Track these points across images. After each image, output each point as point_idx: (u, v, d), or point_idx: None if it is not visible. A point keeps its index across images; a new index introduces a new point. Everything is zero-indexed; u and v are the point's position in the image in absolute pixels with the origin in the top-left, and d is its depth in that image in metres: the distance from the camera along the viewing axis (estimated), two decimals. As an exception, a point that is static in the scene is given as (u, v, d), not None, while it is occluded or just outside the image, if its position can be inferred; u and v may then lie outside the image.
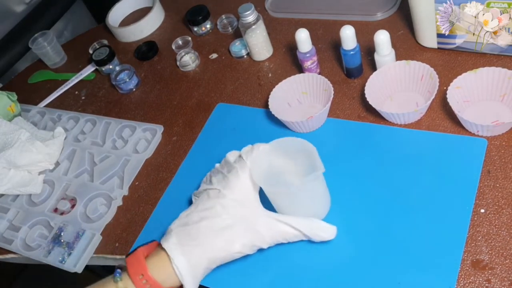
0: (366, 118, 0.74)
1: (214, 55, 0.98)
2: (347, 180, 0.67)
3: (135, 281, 0.54)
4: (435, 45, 0.78)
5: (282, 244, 0.61)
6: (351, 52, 0.76)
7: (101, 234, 0.74)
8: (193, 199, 0.65)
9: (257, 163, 0.60)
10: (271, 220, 0.58)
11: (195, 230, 0.56)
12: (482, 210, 0.59)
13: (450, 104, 0.65)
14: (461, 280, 0.54)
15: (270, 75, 0.88)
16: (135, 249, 0.58)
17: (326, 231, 0.59)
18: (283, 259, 0.63)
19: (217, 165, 0.65)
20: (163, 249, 0.56)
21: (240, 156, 0.61)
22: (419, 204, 0.61)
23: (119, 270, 0.56)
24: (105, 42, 1.12)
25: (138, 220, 0.75)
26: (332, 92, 0.73)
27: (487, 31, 0.69)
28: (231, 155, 0.64)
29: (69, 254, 0.72)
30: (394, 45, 0.74)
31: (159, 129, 0.85)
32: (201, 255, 0.55)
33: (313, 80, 0.77)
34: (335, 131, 0.74)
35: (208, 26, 1.03)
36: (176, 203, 0.74)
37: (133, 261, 0.56)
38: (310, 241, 0.62)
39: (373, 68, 0.77)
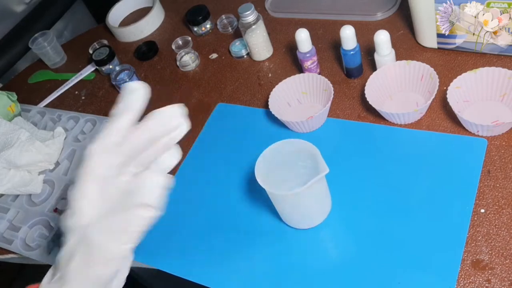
0: (366, 118, 0.74)
1: (214, 55, 0.98)
2: (347, 180, 0.67)
3: None
4: (435, 45, 0.78)
5: (282, 244, 0.61)
6: (351, 52, 0.76)
7: (101, 234, 0.74)
8: None
9: (260, 165, 0.60)
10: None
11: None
12: (482, 210, 0.59)
13: (450, 104, 0.65)
14: (461, 280, 0.54)
15: (270, 75, 0.88)
16: None
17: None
18: (283, 259, 0.63)
19: None
20: None
21: None
22: (419, 204, 0.61)
23: None
24: (105, 42, 1.12)
25: (138, 220, 0.74)
26: (332, 92, 0.73)
27: (487, 31, 0.69)
28: None
29: (69, 254, 0.72)
30: (394, 45, 0.74)
31: (159, 129, 0.85)
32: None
33: (313, 80, 0.77)
34: (335, 131, 0.74)
35: (208, 26, 1.03)
36: (176, 204, 0.74)
37: None
38: (311, 241, 0.62)
39: (373, 68, 0.77)
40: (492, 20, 0.67)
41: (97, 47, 1.07)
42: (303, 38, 0.77)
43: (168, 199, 0.79)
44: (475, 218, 0.58)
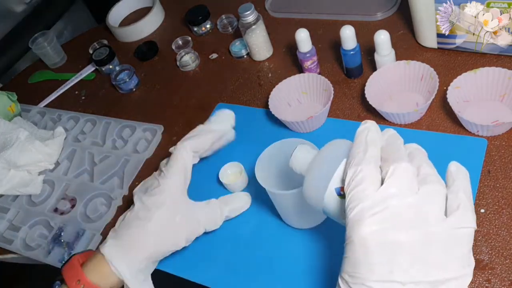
0: (366, 118, 0.74)
1: (214, 55, 0.98)
2: (347, 180, 0.67)
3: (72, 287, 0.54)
4: (435, 45, 0.78)
5: (282, 244, 0.61)
6: (351, 52, 0.76)
7: (101, 234, 0.74)
8: (136, 190, 0.64)
9: (260, 165, 0.60)
10: (201, 207, 0.62)
11: (131, 228, 0.58)
12: (482, 210, 0.59)
13: (450, 104, 0.65)
14: (461, 280, 0.54)
15: (270, 75, 0.88)
16: (70, 257, 0.58)
17: (241, 201, 0.65)
18: (283, 258, 0.63)
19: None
20: (99, 253, 0.57)
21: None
22: (419, 204, 0.61)
23: (58, 282, 0.57)
24: (105, 42, 1.12)
25: (138, 220, 0.74)
26: (332, 92, 0.73)
27: (487, 31, 0.69)
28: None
29: (69, 254, 0.72)
30: (394, 45, 0.74)
31: (159, 129, 0.85)
32: (139, 254, 0.57)
33: (313, 80, 0.77)
34: (335, 131, 0.74)
35: (208, 26, 1.03)
36: (176, 203, 0.74)
37: (68, 269, 0.56)
38: (312, 241, 0.62)
39: (373, 68, 0.77)
40: (492, 20, 0.67)
41: (97, 47, 1.07)
42: (303, 38, 0.77)
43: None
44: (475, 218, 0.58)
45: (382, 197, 0.36)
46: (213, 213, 0.62)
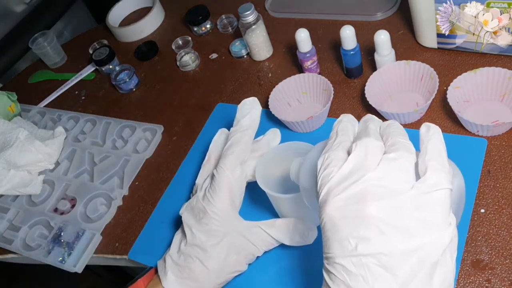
0: (366, 118, 0.74)
1: (214, 55, 0.98)
2: (347, 180, 0.67)
3: None
4: (435, 45, 0.78)
5: (282, 246, 0.61)
6: (351, 52, 0.76)
7: (101, 234, 0.74)
8: (183, 213, 0.62)
9: (260, 166, 0.60)
10: (258, 229, 0.58)
11: (189, 267, 0.56)
12: (482, 210, 0.59)
13: (450, 104, 0.65)
14: (461, 280, 0.54)
15: (270, 75, 0.88)
16: (135, 281, 0.59)
17: (305, 238, 0.58)
18: (282, 260, 0.63)
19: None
20: (160, 285, 0.57)
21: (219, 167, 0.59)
22: (419, 204, 0.61)
23: None
24: (105, 42, 1.12)
25: (138, 220, 0.75)
26: (332, 92, 0.73)
27: (487, 31, 0.69)
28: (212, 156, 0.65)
29: (69, 254, 0.72)
30: (394, 45, 0.74)
31: (159, 129, 0.85)
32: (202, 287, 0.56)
33: (313, 80, 0.77)
34: (335, 131, 0.74)
35: (208, 26, 1.03)
36: (176, 203, 0.74)
37: None
38: (314, 246, 0.61)
39: (373, 68, 0.77)
40: (492, 20, 0.67)
41: (97, 47, 1.07)
42: (303, 38, 0.77)
43: (168, 199, 0.79)
44: (475, 218, 0.58)
45: (344, 175, 0.36)
46: (266, 237, 0.59)
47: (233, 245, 0.56)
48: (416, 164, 0.36)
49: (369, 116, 0.43)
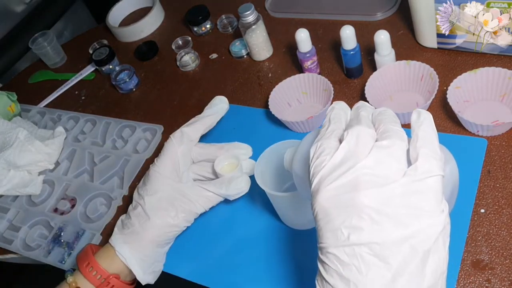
0: (366, 118, 0.74)
1: (214, 55, 0.98)
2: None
3: (83, 271, 0.59)
4: (435, 45, 0.78)
5: (281, 245, 0.61)
6: (351, 52, 0.76)
7: (101, 234, 0.74)
8: None
9: (260, 166, 0.60)
10: (196, 187, 0.62)
11: (131, 218, 0.62)
12: (482, 210, 0.59)
13: (450, 104, 0.65)
14: (461, 280, 0.54)
15: (270, 75, 0.88)
16: (85, 246, 0.64)
17: (240, 184, 0.62)
18: (282, 260, 0.63)
19: None
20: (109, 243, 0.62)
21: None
22: (419, 204, 0.61)
23: (71, 269, 0.62)
24: (105, 42, 1.12)
25: (138, 220, 0.74)
26: (332, 92, 0.73)
27: (487, 31, 0.69)
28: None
29: (69, 254, 0.72)
30: (394, 45, 0.74)
31: (159, 129, 0.85)
32: (142, 240, 0.60)
33: (313, 80, 0.77)
34: (335, 131, 0.74)
35: (208, 26, 1.03)
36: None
37: (81, 255, 0.62)
38: (311, 242, 0.62)
39: (373, 68, 0.77)
40: (492, 20, 0.67)
41: (97, 47, 1.07)
42: (303, 38, 0.77)
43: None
44: (475, 218, 0.58)
45: (335, 163, 0.36)
46: (204, 192, 0.63)
47: (172, 202, 0.61)
48: (408, 151, 0.36)
49: (361, 103, 0.42)
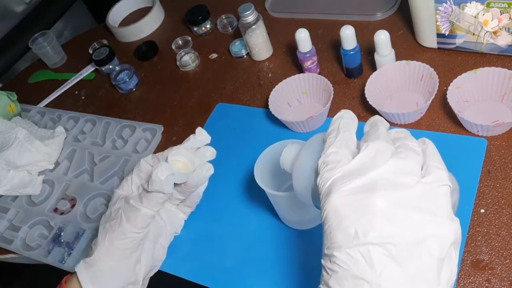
0: (366, 118, 0.73)
1: (214, 55, 0.98)
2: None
3: None
4: (435, 45, 0.78)
5: (281, 245, 0.61)
6: (351, 52, 0.76)
7: (101, 234, 0.74)
8: None
9: (259, 165, 0.60)
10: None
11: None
12: (482, 210, 0.59)
13: (450, 104, 0.65)
14: (461, 280, 0.54)
15: (270, 75, 0.88)
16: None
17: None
18: (282, 260, 0.63)
19: None
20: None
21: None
22: (419, 204, 0.61)
23: None
24: (105, 42, 1.12)
25: (138, 220, 0.74)
26: (332, 92, 0.73)
27: (487, 31, 0.69)
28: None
29: (69, 254, 0.72)
30: (394, 45, 0.74)
31: (159, 129, 0.85)
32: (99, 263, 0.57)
33: (313, 80, 0.77)
34: (335, 131, 0.74)
35: (208, 26, 1.03)
36: (176, 203, 0.74)
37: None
38: (310, 242, 0.61)
39: (373, 68, 0.77)
40: (492, 20, 0.67)
41: (97, 47, 1.07)
42: (303, 38, 0.77)
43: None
44: (475, 218, 0.58)
45: (351, 170, 0.36)
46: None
47: (117, 211, 0.59)
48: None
49: (379, 118, 0.43)
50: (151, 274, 0.63)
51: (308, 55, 0.79)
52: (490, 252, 0.55)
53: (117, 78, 0.97)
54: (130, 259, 0.57)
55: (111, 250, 0.56)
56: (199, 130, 0.64)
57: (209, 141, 0.64)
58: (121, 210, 0.58)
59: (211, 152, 0.63)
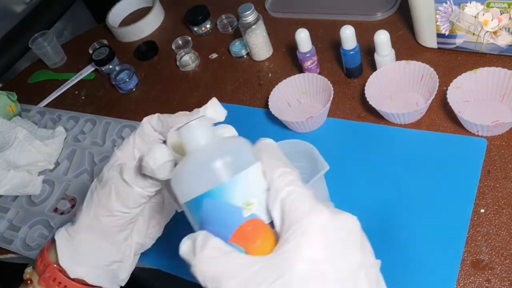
0: (366, 118, 0.74)
1: (214, 55, 0.98)
2: (347, 180, 0.67)
3: (36, 265, 0.50)
4: (435, 45, 0.78)
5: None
6: (351, 52, 0.76)
7: (101, 234, 0.74)
8: None
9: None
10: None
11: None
12: (482, 210, 0.59)
13: (450, 104, 0.65)
14: (461, 280, 0.54)
15: (270, 75, 0.88)
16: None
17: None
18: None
19: None
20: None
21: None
22: (419, 204, 0.61)
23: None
24: (105, 42, 1.12)
25: (138, 220, 0.74)
26: (332, 92, 0.73)
27: (487, 31, 0.69)
28: None
29: (69, 254, 0.72)
30: (394, 45, 0.74)
31: (159, 129, 0.85)
32: (79, 231, 0.49)
33: (313, 80, 0.77)
34: (335, 131, 0.74)
35: (208, 26, 1.03)
36: (176, 203, 0.74)
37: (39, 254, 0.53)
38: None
39: (373, 68, 0.77)
40: (492, 20, 0.67)
41: (97, 47, 1.07)
42: (303, 38, 0.77)
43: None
44: (475, 218, 0.58)
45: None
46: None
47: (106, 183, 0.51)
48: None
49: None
50: (142, 250, 0.55)
51: (308, 55, 0.79)
52: (490, 252, 0.55)
53: (117, 78, 0.97)
54: (116, 237, 0.49)
55: (95, 226, 0.48)
56: (215, 101, 0.51)
57: (223, 118, 0.51)
58: (113, 184, 0.49)
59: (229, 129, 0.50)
